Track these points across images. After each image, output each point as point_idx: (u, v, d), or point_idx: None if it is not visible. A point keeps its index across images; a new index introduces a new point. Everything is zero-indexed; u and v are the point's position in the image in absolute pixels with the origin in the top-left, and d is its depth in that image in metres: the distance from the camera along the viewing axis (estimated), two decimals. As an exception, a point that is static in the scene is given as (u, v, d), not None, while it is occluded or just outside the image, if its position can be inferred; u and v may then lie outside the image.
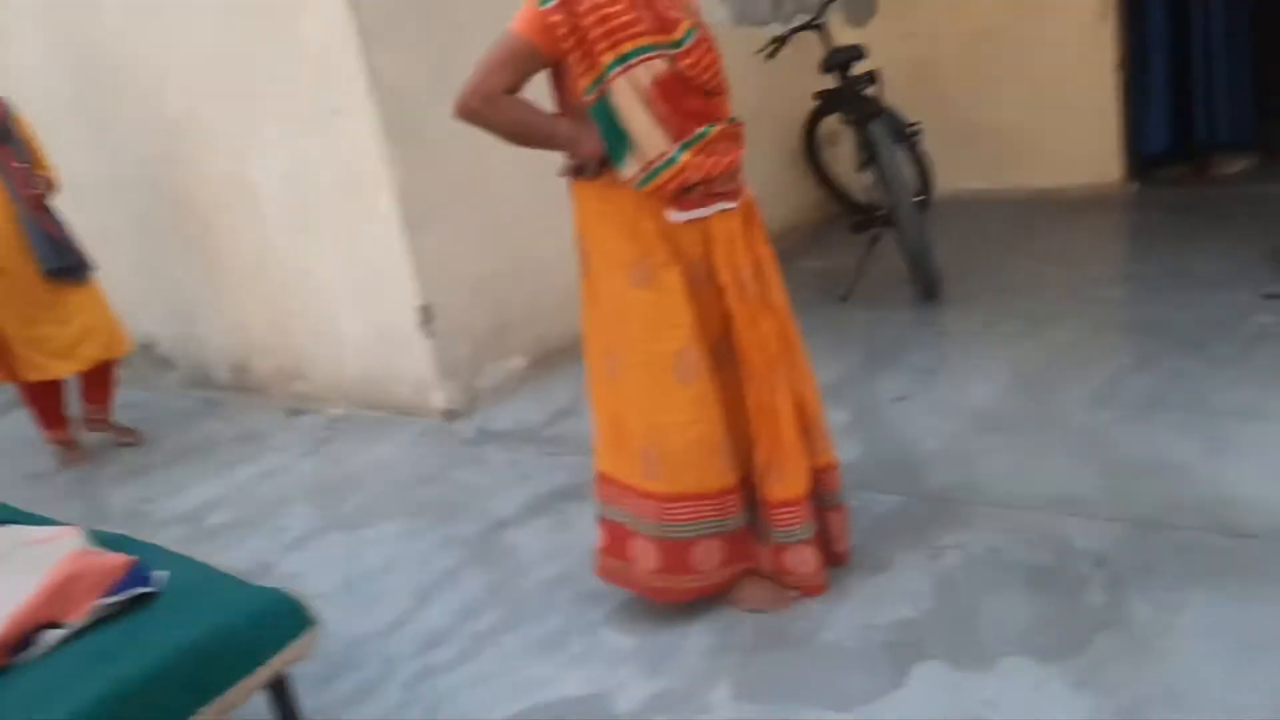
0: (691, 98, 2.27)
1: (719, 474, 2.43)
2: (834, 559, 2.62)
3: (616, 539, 2.54)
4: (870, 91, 4.66)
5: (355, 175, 3.99)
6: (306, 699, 2.18)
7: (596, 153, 2.27)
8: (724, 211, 2.36)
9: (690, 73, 2.25)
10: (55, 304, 4.09)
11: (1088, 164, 5.63)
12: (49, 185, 4.09)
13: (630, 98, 2.22)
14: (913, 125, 4.85)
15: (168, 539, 3.49)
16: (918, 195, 4.86)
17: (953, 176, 5.68)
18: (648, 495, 2.43)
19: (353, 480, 3.78)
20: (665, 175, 2.26)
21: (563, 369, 4.31)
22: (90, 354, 4.19)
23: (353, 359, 4.38)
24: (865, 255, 4.72)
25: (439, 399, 4.13)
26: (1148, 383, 3.43)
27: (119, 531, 2.40)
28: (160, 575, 2.06)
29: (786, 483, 2.45)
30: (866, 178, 4.88)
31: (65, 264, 4.06)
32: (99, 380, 4.37)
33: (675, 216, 2.32)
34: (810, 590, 2.55)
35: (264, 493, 3.80)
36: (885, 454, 3.24)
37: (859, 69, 4.71)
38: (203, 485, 3.94)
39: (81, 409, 4.46)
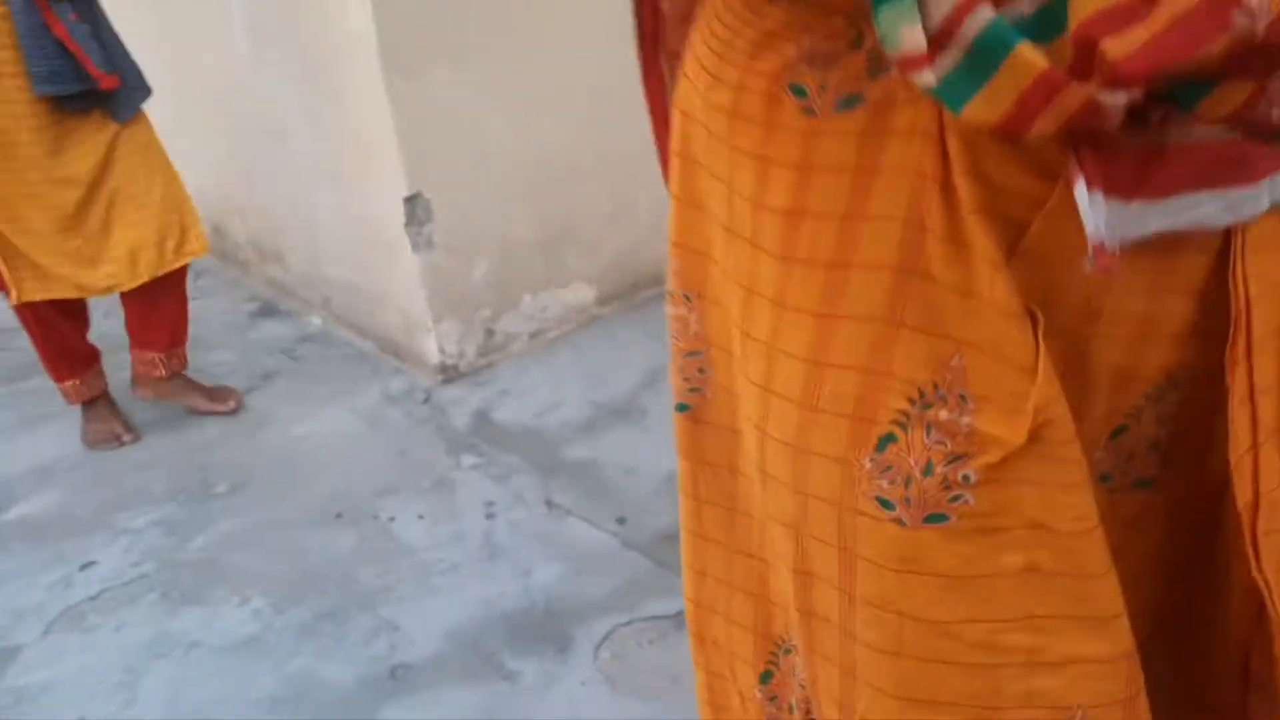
0: None
1: None
2: None
3: None
4: None
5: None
6: None
7: None
8: None
9: None
10: (64, 158, 2.20)
11: None
12: None
13: None
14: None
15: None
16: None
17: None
18: None
19: (250, 477, 2.30)
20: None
21: (651, 311, 2.71)
22: (133, 257, 2.32)
23: (332, 255, 2.83)
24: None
25: (430, 345, 2.56)
26: None
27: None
28: None
29: None
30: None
31: (72, 87, 2.11)
32: (148, 303, 2.43)
33: (1110, 238, 0.50)
34: None
35: (116, 469, 2.39)
36: None
37: None
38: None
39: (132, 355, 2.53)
